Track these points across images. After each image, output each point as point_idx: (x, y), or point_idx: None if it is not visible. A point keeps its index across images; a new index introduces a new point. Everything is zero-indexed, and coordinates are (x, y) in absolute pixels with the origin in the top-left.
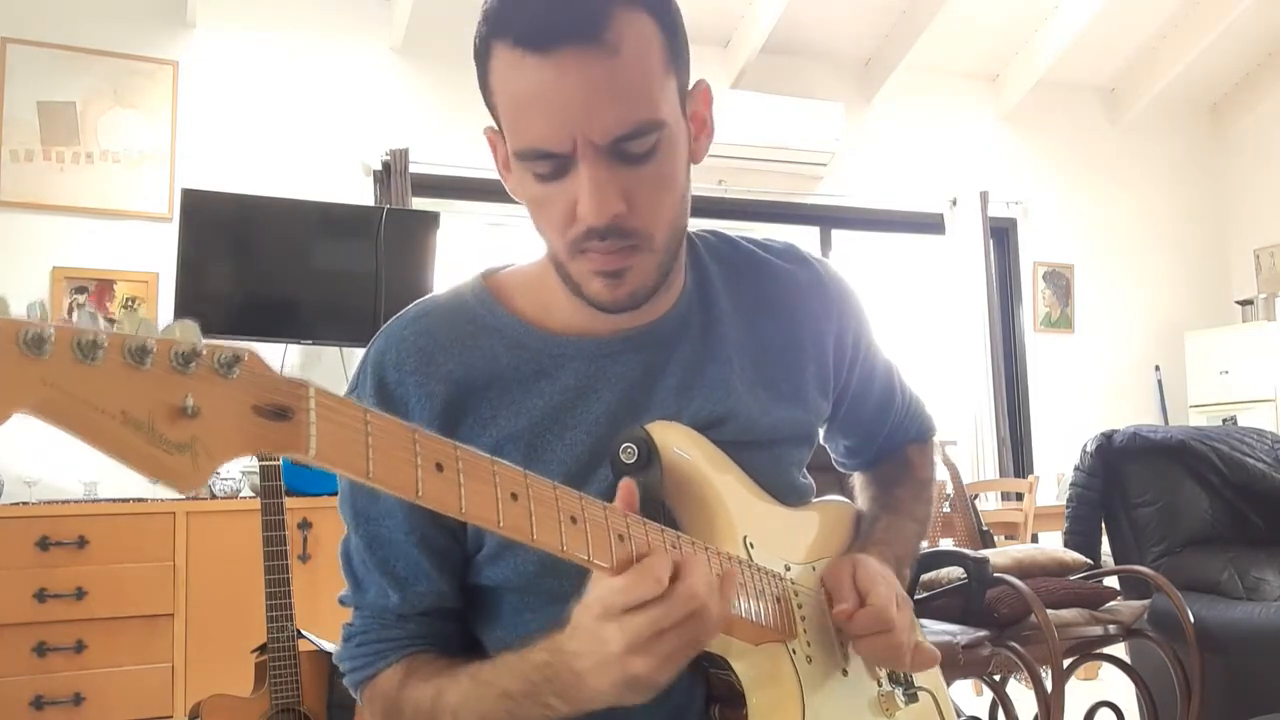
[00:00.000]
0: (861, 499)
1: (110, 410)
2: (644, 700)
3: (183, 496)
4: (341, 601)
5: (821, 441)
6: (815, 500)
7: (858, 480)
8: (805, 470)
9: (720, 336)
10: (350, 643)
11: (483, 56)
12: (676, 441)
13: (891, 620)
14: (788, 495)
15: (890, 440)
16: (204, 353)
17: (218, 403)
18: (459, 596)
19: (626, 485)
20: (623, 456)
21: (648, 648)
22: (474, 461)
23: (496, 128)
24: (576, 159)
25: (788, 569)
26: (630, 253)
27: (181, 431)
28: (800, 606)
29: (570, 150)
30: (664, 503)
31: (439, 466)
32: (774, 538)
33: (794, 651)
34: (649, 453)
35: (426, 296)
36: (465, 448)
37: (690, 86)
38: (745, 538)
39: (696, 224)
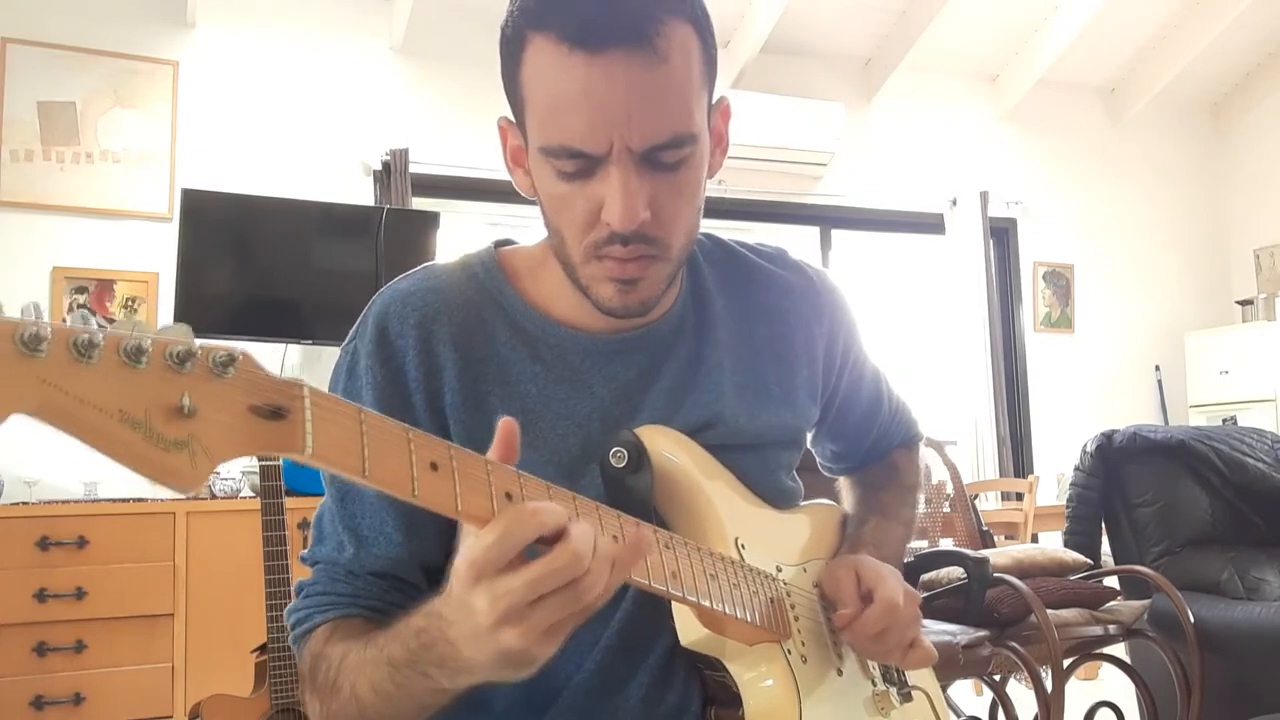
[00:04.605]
0: (847, 502)
1: (108, 409)
2: (526, 675)
3: (184, 496)
4: (302, 559)
5: (809, 445)
6: (803, 503)
7: (843, 483)
8: (794, 474)
9: (714, 340)
10: (299, 596)
11: (515, 46)
12: (666, 446)
13: (898, 611)
14: (776, 498)
15: (877, 446)
16: (199, 352)
17: (214, 402)
18: (419, 572)
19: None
20: (613, 460)
21: (522, 618)
22: (467, 461)
23: (512, 119)
24: (607, 162)
25: (779, 570)
26: (648, 263)
27: (179, 430)
28: (794, 607)
29: (604, 152)
30: (654, 506)
31: (433, 466)
32: (765, 540)
33: (789, 652)
34: (639, 456)
35: (434, 262)
36: (458, 448)
37: (714, 101)
38: (737, 539)
39: None
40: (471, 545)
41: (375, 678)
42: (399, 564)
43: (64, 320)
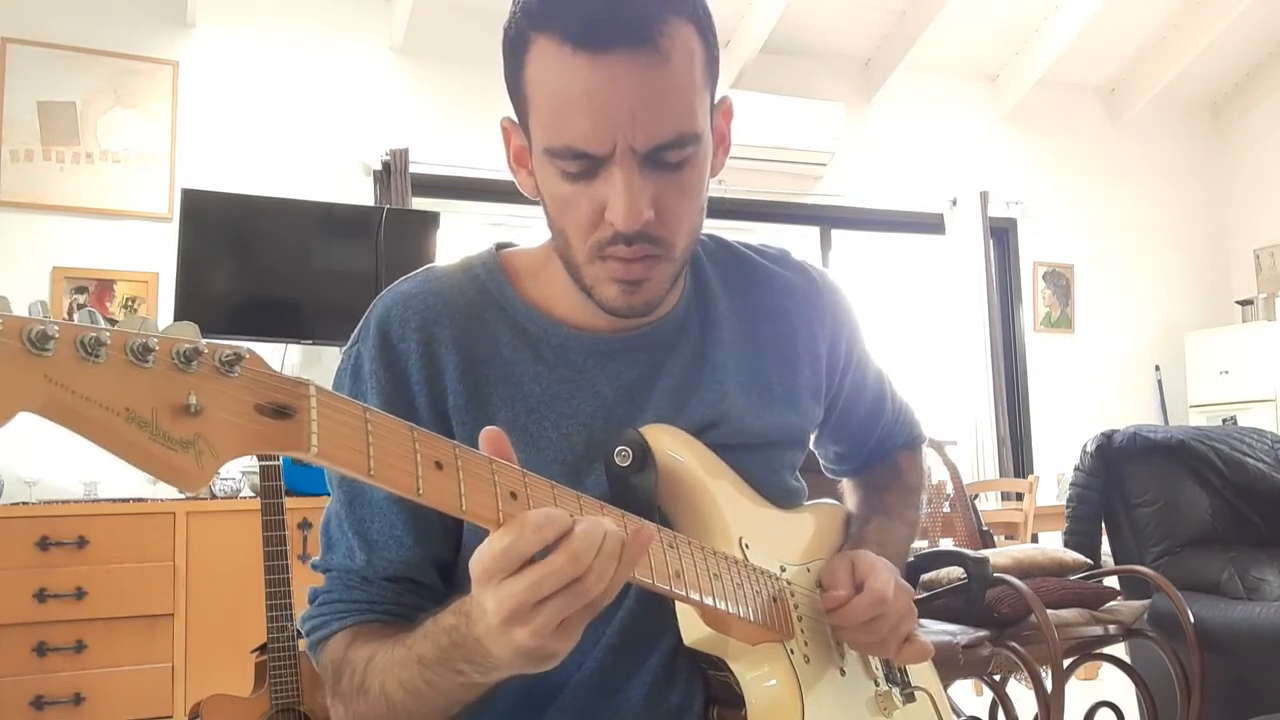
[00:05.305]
0: (851, 502)
1: (115, 407)
2: (549, 668)
3: (185, 496)
4: (313, 566)
5: (811, 447)
6: (807, 503)
7: (847, 485)
8: (797, 473)
9: (717, 340)
10: (314, 603)
11: (518, 47)
12: (670, 444)
13: (887, 602)
14: (780, 497)
15: (880, 447)
16: (205, 351)
17: (220, 401)
18: (433, 571)
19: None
20: (617, 459)
21: (528, 618)
22: (472, 460)
23: (515, 120)
24: (611, 162)
25: (783, 570)
26: (652, 263)
27: (185, 429)
28: (796, 607)
29: (608, 153)
30: (658, 505)
31: (438, 465)
32: (769, 539)
33: (792, 651)
34: (644, 455)
35: (435, 264)
36: (463, 447)
37: (716, 101)
38: (741, 539)
39: None
40: (483, 548)
41: (405, 676)
42: (411, 566)
43: (71, 318)
